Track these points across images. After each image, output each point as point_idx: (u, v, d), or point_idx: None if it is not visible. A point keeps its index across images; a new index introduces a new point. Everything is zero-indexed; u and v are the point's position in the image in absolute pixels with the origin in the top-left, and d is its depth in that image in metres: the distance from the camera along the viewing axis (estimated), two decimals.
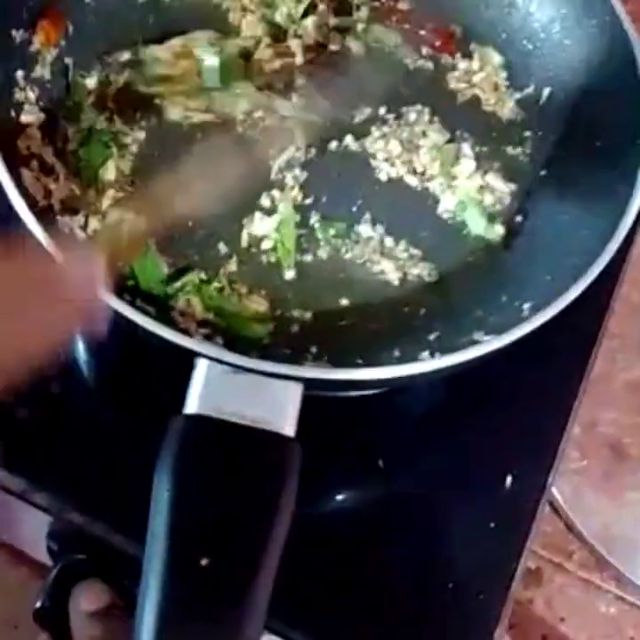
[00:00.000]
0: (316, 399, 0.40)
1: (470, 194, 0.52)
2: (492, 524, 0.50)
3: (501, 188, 0.53)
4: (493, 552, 0.49)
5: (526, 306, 0.47)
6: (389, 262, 0.50)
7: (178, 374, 0.39)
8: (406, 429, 0.52)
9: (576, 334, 0.55)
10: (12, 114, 0.49)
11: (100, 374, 0.51)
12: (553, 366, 0.54)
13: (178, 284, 0.47)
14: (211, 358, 0.39)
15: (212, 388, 0.39)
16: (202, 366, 0.39)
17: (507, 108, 0.56)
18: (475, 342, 0.45)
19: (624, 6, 0.52)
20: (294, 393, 0.39)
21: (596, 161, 0.51)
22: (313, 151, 0.53)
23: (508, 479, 0.51)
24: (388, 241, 0.50)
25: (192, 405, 0.38)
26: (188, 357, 0.39)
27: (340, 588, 0.47)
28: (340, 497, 0.51)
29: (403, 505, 0.50)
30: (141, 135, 0.52)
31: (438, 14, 0.58)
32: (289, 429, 0.38)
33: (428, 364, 0.42)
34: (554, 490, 0.68)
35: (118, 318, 0.40)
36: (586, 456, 0.73)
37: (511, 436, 0.52)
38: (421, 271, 0.50)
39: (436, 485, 0.50)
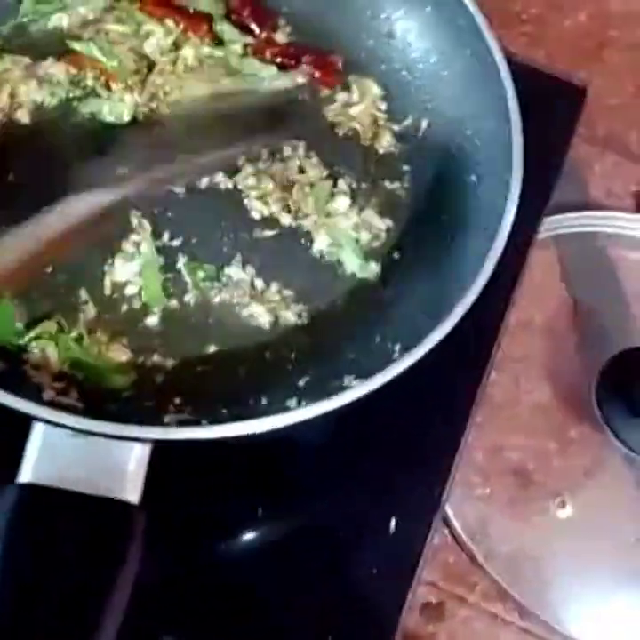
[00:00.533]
0: None
1: (346, 232, 0.51)
2: (375, 570, 0.49)
3: (378, 225, 0.52)
4: (375, 600, 0.48)
5: (397, 346, 0.46)
6: (260, 305, 0.48)
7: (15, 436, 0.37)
8: (286, 472, 0.50)
9: (464, 361, 0.54)
10: None
11: None
12: (441, 395, 0.54)
13: (32, 334, 0.45)
14: (46, 421, 0.36)
15: (50, 454, 0.36)
16: (38, 430, 0.37)
17: (385, 141, 0.55)
18: (344, 388, 0.44)
19: (494, 35, 0.52)
20: (139, 455, 0.37)
21: (469, 194, 0.51)
22: (181, 189, 0.51)
23: (392, 522, 0.50)
24: (259, 283, 0.49)
25: (26, 474, 0.36)
26: (25, 420, 0.37)
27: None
28: (217, 544, 0.49)
29: (281, 552, 0.48)
30: None
31: (317, 45, 0.57)
32: (132, 495, 0.36)
33: (287, 416, 0.40)
34: (453, 519, 0.67)
35: None
36: (489, 483, 0.72)
37: (395, 475, 0.51)
38: (293, 313, 0.48)
39: (315, 531, 0.49)
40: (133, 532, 0.35)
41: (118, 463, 0.37)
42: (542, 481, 0.74)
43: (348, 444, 0.50)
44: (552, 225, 0.75)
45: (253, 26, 0.56)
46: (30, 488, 0.35)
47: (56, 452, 0.36)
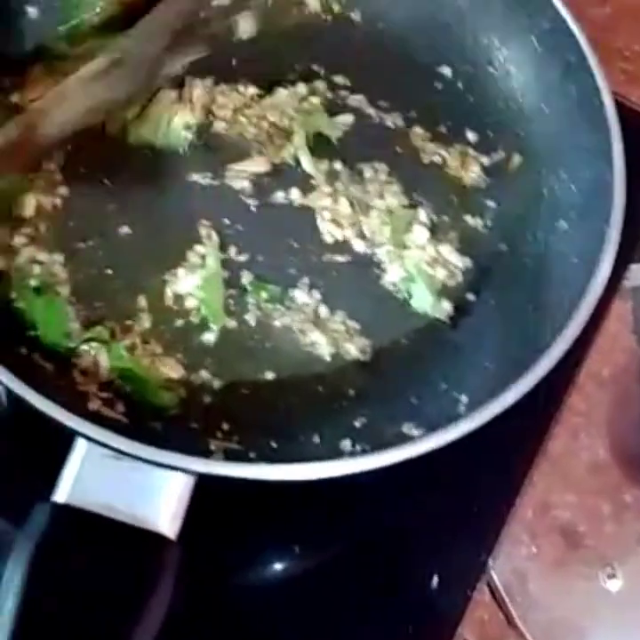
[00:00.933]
0: None
1: (421, 266, 0.48)
2: (411, 628, 0.46)
3: (455, 262, 0.49)
4: None
5: (464, 398, 0.43)
6: (322, 334, 0.45)
7: (55, 451, 0.35)
8: (329, 512, 0.47)
9: (528, 416, 0.51)
10: None
11: None
12: (499, 451, 0.50)
13: (85, 337, 0.43)
14: (90, 438, 0.34)
15: (89, 475, 0.34)
16: (80, 448, 0.35)
17: (471, 173, 0.52)
18: (403, 435, 0.41)
19: (605, 76, 0.48)
20: (182, 487, 0.35)
21: (558, 240, 0.47)
22: (254, 202, 0.49)
23: (435, 580, 0.47)
24: (324, 310, 0.46)
25: (62, 493, 0.34)
26: (68, 434, 0.35)
27: None
28: (250, 576, 0.47)
29: (316, 595, 0.46)
30: None
31: None
32: (169, 529, 0.34)
33: (343, 464, 0.37)
34: (494, 576, 0.64)
35: None
36: (536, 541, 0.69)
37: (442, 531, 0.48)
38: (356, 347, 0.45)
39: (353, 579, 0.46)
40: (165, 568, 0.33)
41: (159, 492, 0.34)
42: (592, 545, 0.70)
43: (396, 491, 0.47)
44: (631, 274, 0.72)
45: None
46: (65, 509, 0.33)
47: (96, 473, 0.34)
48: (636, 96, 0.71)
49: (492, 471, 0.50)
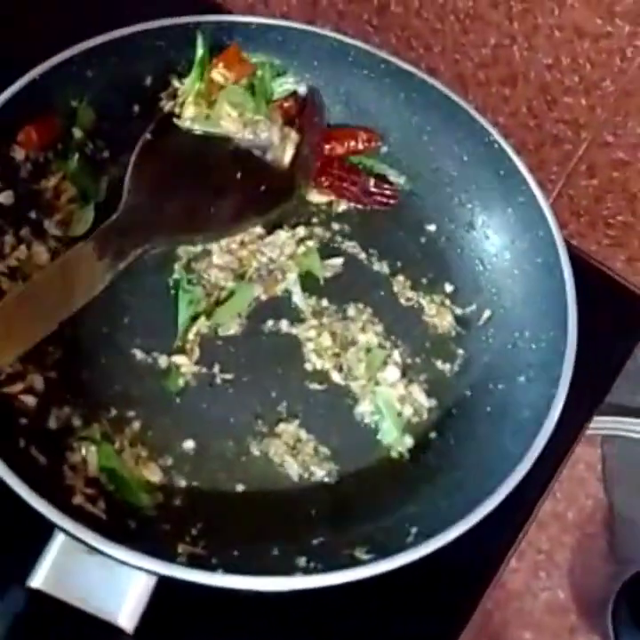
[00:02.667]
0: None
1: (390, 402, 0.52)
2: None
3: (422, 402, 0.53)
4: None
5: (414, 529, 0.47)
6: (294, 457, 0.50)
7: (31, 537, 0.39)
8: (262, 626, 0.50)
9: (486, 545, 0.54)
10: None
11: None
12: (454, 575, 0.53)
13: (79, 435, 0.47)
14: (68, 533, 0.38)
15: (63, 565, 0.38)
16: (59, 540, 0.39)
17: (445, 322, 0.57)
18: (354, 559, 0.45)
19: (566, 252, 0.54)
20: (144, 585, 0.39)
21: (516, 393, 0.52)
22: (246, 327, 0.54)
23: None
24: (302, 434, 0.51)
25: (38, 579, 0.38)
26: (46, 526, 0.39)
27: None
28: None
29: None
30: None
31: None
32: (128, 622, 0.38)
33: (295, 580, 0.41)
34: None
35: None
36: None
37: None
38: (323, 471, 0.50)
39: None
40: None
41: (123, 588, 0.38)
42: None
43: (352, 610, 0.50)
44: (603, 424, 0.76)
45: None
46: (38, 594, 0.37)
47: (70, 564, 0.38)
48: (620, 259, 0.78)
49: (446, 594, 0.53)
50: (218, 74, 0.57)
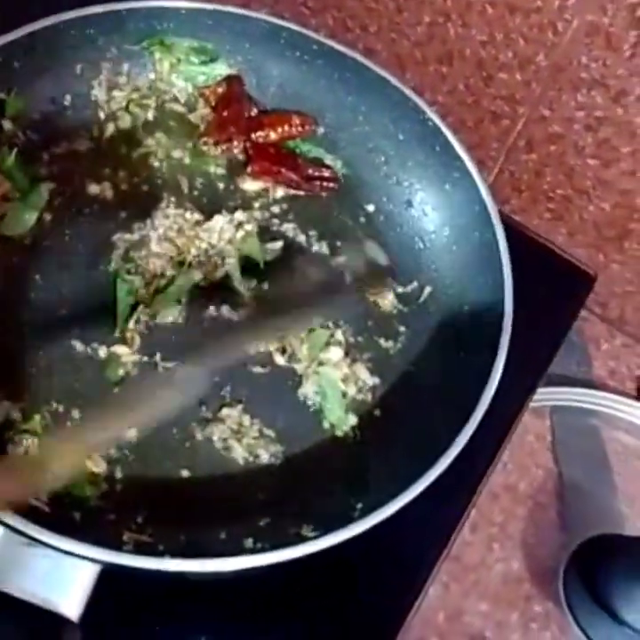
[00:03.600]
0: None
1: (334, 382, 0.53)
2: None
3: (366, 380, 0.54)
4: None
5: (359, 505, 0.47)
6: (238, 441, 0.50)
7: None
8: (234, 605, 0.51)
9: (436, 515, 0.54)
10: None
11: None
12: (406, 546, 0.54)
13: (21, 428, 0.47)
14: (6, 525, 0.38)
15: (5, 559, 0.38)
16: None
17: (387, 300, 0.58)
18: (300, 536, 0.45)
19: (502, 225, 0.55)
20: (86, 573, 0.39)
21: (456, 367, 0.53)
22: (186, 313, 0.54)
23: None
24: (246, 419, 0.51)
25: None
26: None
27: None
28: None
29: None
30: None
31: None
32: (72, 611, 0.38)
33: (241, 560, 0.41)
34: None
35: None
36: None
37: (346, 623, 0.51)
38: (269, 453, 0.50)
39: None
40: None
41: (65, 577, 0.38)
42: None
43: (303, 586, 0.51)
44: (551, 395, 0.77)
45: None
46: None
47: (12, 557, 0.38)
48: (561, 233, 0.79)
49: (398, 566, 0.54)
50: None
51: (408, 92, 0.59)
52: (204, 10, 0.59)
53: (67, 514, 0.44)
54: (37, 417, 0.48)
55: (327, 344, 0.54)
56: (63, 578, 0.38)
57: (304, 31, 0.60)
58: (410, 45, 0.81)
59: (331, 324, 0.55)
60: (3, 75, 0.55)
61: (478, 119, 0.77)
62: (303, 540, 0.44)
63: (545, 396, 0.77)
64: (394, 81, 0.60)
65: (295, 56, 0.61)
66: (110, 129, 0.60)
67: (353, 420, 0.52)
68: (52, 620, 0.37)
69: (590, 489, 0.77)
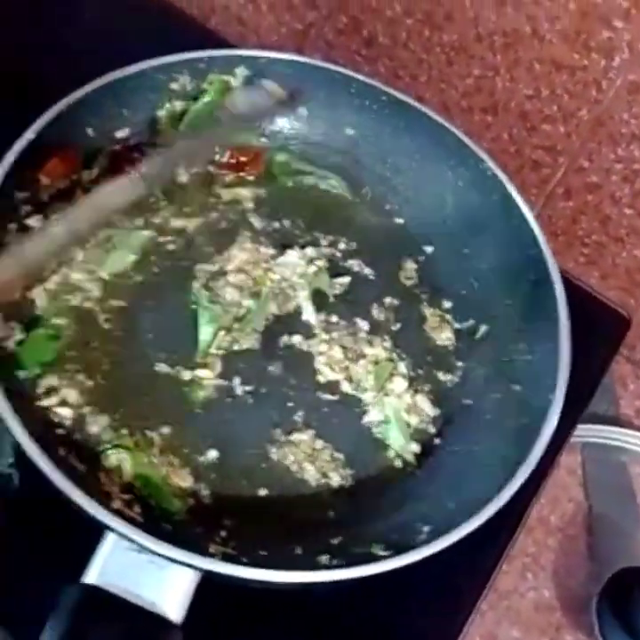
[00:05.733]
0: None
1: (398, 412, 0.56)
2: None
3: (428, 411, 0.57)
4: None
5: (426, 528, 0.50)
6: (312, 464, 0.53)
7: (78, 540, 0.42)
8: (287, 621, 0.53)
9: (480, 551, 0.57)
10: None
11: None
12: (450, 580, 0.56)
13: (114, 442, 0.50)
14: (122, 535, 0.41)
15: (114, 562, 0.41)
16: (110, 539, 0.42)
17: (444, 335, 0.61)
18: (372, 555, 0.49)
19: (557, 268, 0.59)
20: (189, 580, 0.42)
21: (513, 401, 0.56)
22: (262, 342, 0.58)
23: None
24: (318, 444, 0.54)
25: (92, 576, 0.41)
26: (97, 527, 0.42)
27: None
28: None
29: None
30: None
31: None
32: (175, 615, 0.41)
33: (323, 574, 0.45)
34: None
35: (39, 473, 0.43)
36: None
37: None
38: (339, 476, 0.54)
39: None
40: None
41: (169, 583, 0.41)
42: None
43: (357, 609, 0.53)
44: (582, 432, 0.81)
45: None
46: (94, 589, 0.40)
47: (120, 562, 0.41)
48: (594, 276, 0.83)
49: (444, 597, 0.57)
50: None
51: (472, 145, 0.64)
52: (283, 59, 0.64)
53: (158, 525, 0.47)
54: (128, 434, 0.51)
55: (391, 375, 0.58)
56: (167, 583, 0.41)
57: (374, 82, 0.65)
58: (457, 95, 0.85)
59: (394, 356, 0.59)
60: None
61: (519, 166, 0.82)
62: (375, 558, 0.47)
63: (576, 432, 0.80)
64: (459, 133, 0.64)
65: (364, 104, 0.66)
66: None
67: (415, 447, 0.56)
68: (156, 621, 0.40)
69: (619, 522, 0.80)
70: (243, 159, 0.65)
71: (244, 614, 0.49)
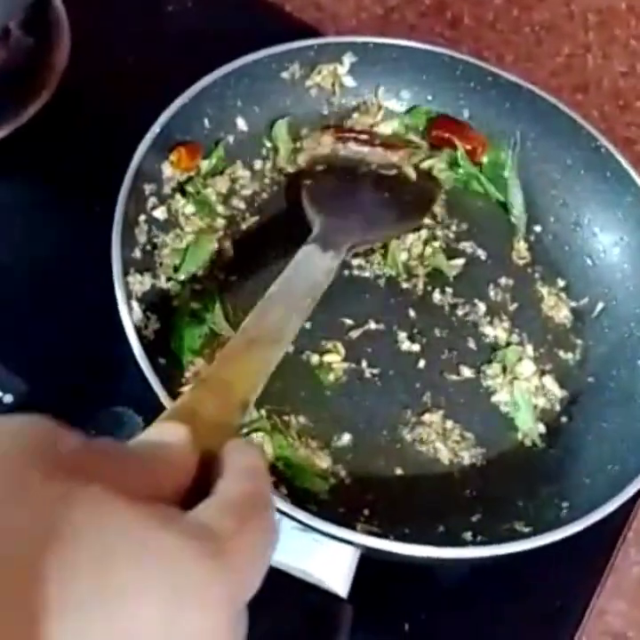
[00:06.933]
0: None
1: (526, 394, 0.56)
2: None
3: (556, 393, 0.57)
4: None
5: (565, 504, 0.51)
6: (443, 443, 0.54)
7: None
8: (436, 598, 0.54)
9: (603, 530, 0.58)
10: None
11: None
12: (576, 561, 0.57)
13: (252, 427, 0.52)
14: (283, 513, 0.43)
15: (280, 542, 0.42)
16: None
17: (562, 314, 0.61)
18: (514, 531, 0.49)
19: None
20: (351, 556, 0.43)
21: (637, 379, 0.56)
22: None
23: None
24: (448, 423, 0.55)
25: None
26: None
27: None
28: None
29: None
30: None
31: None
32: (342, 590, 0.42)
33: (470, 550, 0.46)
34: None
35: None
36: None
37: (528, 626, 0.55)
38: (470, 455, 0.54)
39: None
40: (341, 624, 0.41)
41: (333, 560, 0.43)
42: None
43: (487, 589, 0.54)
44: None
45: None
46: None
47: (283, 540, 0.42)
48: None
49: (573, 576, 0.57)
50: None
51: (580, 119, 0.64)
52: (389, 44, 0.64)
53: (304, 505, 0.48)
54: (266, 417, 0.52)
55: (519, 359, 0.58)
56: (331, 560, 0.43)
57: (481, 64, 0.65)
58: (546, 74, 0.85)
59: (516, 338, 0.59)
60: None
61: (611, 144, 0.81)
62: (520, 535, 0.48)
63: None
64: (566, 109, 0.64)
65: (469, 86, 0.66)
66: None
67: (542, 428, 0.56)
68: (328, 598, 0.41)
69: None
70: None
71: (402, 588, 0.50)
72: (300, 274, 0.49)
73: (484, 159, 0.66)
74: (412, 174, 0.64)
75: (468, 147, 0.65)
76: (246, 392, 0.36)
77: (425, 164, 0.65)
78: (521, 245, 0.64)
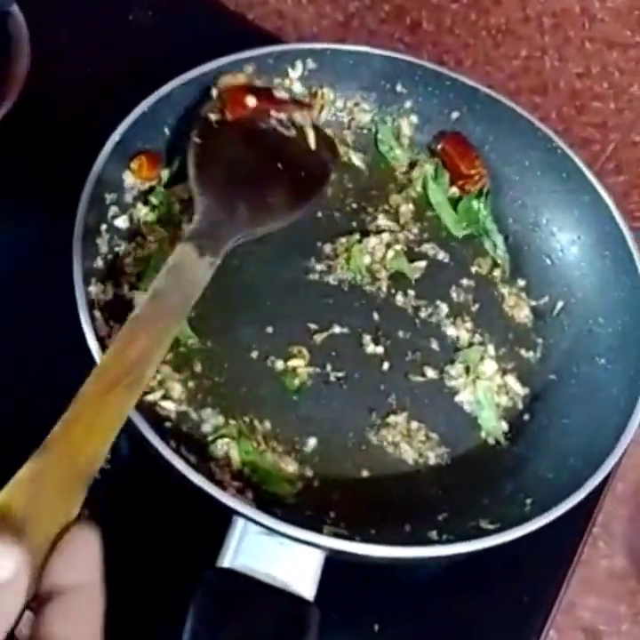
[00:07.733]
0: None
1: (489, 394, 0.57)
2: None
3: (518, 391, 0.58)
4: None
5: (529, 500, 0.52)
6: (408, 444, 0.55)
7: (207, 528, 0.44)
8: (404, 597, 0.55)
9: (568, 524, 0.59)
10: None
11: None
12: (542, 556, 0.58)
13: (219, 433, 0.52)
14: (249, 518, 0.43)
15: (245, 546, 0.43)
16: (239, 524, 0.43)
17: (523, 313, 0.62)
18: (480, 529, 0.50)
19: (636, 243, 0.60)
20: (317, 559, 0.43)
21: (599, 375, 0.58)
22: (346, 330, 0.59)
23: None
24: (413, 425, 0.56)
25: (227, 559, 0.42)
26: (223, 512, 0.44)
27: None
28: None
29: None
30: None
31: None
32: (309, 593, 0.43)
33: (437, 549, 0.46)
34: None
35: (166, 467, 0.44)
36: (561, 637, 0.76)
37: (497, 621, 0.56)
38: (436, 455, 0.55)
39: None
40: (309, 627, 0.41)
41: (299, 563, 0.43)
42: None
43: (458, 584, 0.55)
44: None
45: None
46: (230, 572, 0.42)
47: (250, 545, 0.43)
48: None
49: (540, 571, 0.58)
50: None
51: (536, 121, 0.65)
52: (348, 51, 0.65)
53: (271, 510, 0.49)
54: (233, 423, 0.53)
55: (481, 359, 0.59)
56: (297, 563, 0.43)
57: (438, 68, 0.66)
58: (504, 77, 0.86)
59: (478, 338, 0.60)
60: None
61: (568, 145, 0.82)
62: (485, 533, 0.49)
63: None
64: (522, 112, 0.65)
65: (427, 91, 0.67)
66: None
67: (504, 426, 0.57)
68: (295, 601, 0.42)
69: None
70: None
71: (369, 588, 0.51)
72: (171, 287, 0.45)
73: None
74: (312, 137, 0.61)
75: (466, 172, 0.66)
76: (96, 451, 0.34)
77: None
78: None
